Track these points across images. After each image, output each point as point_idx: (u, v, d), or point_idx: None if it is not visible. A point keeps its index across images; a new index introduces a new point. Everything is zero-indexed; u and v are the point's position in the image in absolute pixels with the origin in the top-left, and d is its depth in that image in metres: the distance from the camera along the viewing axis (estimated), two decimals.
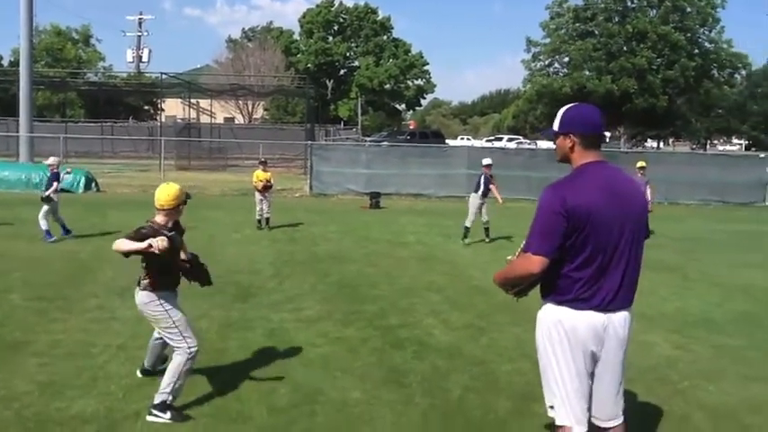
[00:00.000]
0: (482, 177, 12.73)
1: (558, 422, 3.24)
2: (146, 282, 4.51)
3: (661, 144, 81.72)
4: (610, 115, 45.05)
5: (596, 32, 42.32)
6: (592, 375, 3.22)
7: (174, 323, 4.53)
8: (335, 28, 60.70)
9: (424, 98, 61.08)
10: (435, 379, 5.37)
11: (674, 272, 10.45)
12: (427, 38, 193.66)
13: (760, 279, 10.02)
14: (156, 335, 4.89)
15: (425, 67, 55.98)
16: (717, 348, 6.44)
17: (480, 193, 12.65)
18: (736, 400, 5.08)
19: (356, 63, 54.46)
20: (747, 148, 73.42)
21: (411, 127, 65.71)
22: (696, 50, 41.08)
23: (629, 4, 41.89)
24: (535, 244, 3.11)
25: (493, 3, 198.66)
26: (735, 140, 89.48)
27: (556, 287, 3.19)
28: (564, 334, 3.17)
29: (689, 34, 40.11)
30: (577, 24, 42.53)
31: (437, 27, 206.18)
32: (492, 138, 63.38)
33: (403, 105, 59.46)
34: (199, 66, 62.43)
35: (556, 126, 3.28)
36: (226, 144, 36.93)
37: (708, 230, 16.00)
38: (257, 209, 13.69)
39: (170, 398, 4.46)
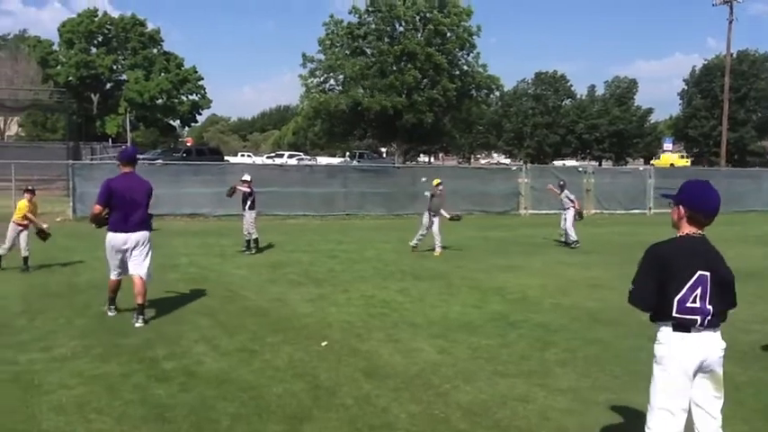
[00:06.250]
0: (243, 193, 14.30)
1: None
2: None
3: (432, 159, 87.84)
4: (384, 132, 47.32)
5: (368, 51, 44.16)
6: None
7: None
8: (99, 39, 56.78)
9: (200, 114, 59.35)
10: (202, 410, 5.13)
11: (440, 279, 11.16)
12: (201, 51, 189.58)
13: (511, 281, 11.03)
14: None
15: (200, 82, 54.45)
16: (474, 349, 6.93)
17: (247, 207, 14.14)
18: (488, 397, 5.48)
19: (124, 77, 51.34)
20: None
21: (188, 144, 63.62)
22: (457, 72, 44.55)
23: (397, 26, 44.30)
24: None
25: (266, 18, 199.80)
26: (494, 155, 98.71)
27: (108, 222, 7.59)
28: (109, 244, 7.62)
29: (450, 57, 43.39)
30: (351, 42, 44.09)
31: (211, 40, 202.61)
32: (272, 154, 63.41)
33: (177, 121, 57.30)
34: None
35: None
36: None
37: (469, 238, 17.31)
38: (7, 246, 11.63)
39: None
